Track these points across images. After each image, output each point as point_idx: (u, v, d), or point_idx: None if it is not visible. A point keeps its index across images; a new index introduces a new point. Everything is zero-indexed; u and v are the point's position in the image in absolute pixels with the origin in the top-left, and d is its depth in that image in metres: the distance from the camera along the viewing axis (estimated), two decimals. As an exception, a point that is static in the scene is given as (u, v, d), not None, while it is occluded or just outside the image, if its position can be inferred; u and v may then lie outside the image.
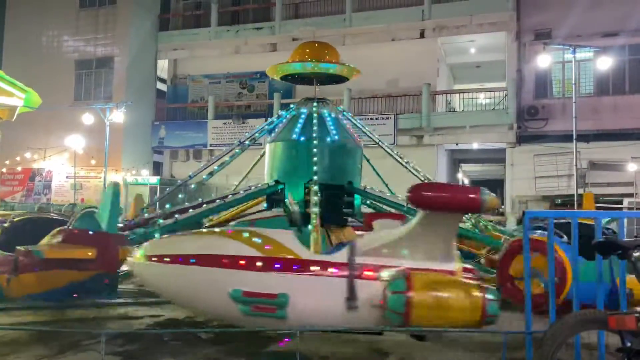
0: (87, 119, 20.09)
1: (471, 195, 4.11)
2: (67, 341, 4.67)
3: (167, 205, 7.40)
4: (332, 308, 4.37)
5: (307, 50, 7.76)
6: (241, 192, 7.41)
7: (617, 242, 3.24)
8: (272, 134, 7.87)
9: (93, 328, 5.11)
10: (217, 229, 5.78)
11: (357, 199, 7.41)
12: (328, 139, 7.18)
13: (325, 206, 6.19)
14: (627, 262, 3.25)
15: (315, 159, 6.62)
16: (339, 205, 6.98)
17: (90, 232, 5.88)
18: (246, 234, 4.76)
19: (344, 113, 8.29)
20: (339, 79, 8.24)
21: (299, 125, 7.28)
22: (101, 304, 6.24)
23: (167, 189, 10.24)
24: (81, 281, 5.74)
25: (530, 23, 18.65)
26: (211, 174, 7.86)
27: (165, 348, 4.65)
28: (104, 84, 23.02)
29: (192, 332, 5.19)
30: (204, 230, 6.13)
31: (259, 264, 4.46)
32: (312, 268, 4.48)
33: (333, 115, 7.57)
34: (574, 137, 15.10)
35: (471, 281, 4.37)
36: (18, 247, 5.76)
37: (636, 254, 3.08)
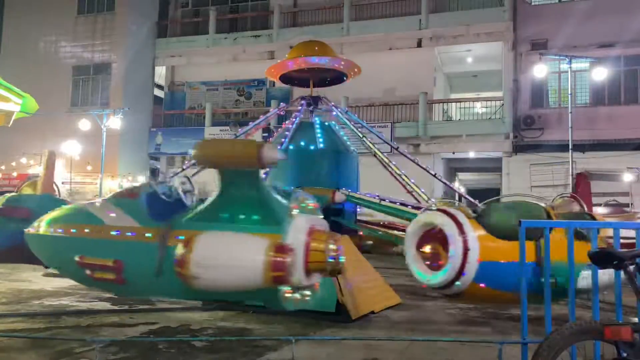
0: (84, 125, 20.06)
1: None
2: (60, 349, 4.64)
3: None
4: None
5: (305, 48, 7.89)
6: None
7: (613, 252, 3.22)
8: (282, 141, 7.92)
9: (87, 335, 5.07)
10: None
11: None
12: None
13: None
14: (622, 273, 3.24)
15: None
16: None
17: None
18: None
19: (345, 112, 8.40)
20: (336, 80, 8.32)
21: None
22: (95, 311, 6.20)
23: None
24: None
25: (527, 33, 18.78)
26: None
27: (160, 356, 4.62)
28: (101, 90, 23.02)
29: (187, 340, 5.15)
30: None
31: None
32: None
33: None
34: (570, 146, 15.18)
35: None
36: None
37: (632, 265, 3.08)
